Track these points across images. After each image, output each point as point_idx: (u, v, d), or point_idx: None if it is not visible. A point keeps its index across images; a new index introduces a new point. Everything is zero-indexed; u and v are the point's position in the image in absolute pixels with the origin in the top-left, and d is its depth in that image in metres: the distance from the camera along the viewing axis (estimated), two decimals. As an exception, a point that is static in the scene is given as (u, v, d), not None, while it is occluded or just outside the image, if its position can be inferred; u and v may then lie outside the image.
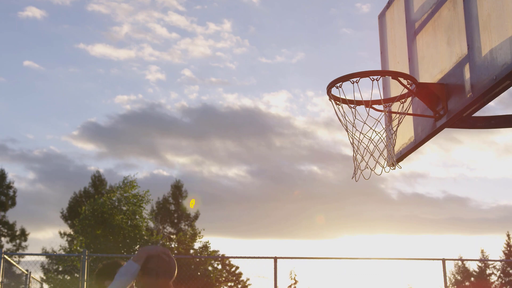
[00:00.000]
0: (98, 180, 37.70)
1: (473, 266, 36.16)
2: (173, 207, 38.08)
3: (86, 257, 10.25)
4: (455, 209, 48.01)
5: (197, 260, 25.73)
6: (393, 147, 4.99)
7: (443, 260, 11.38)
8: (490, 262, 35.84)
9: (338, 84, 4.70)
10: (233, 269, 28.87)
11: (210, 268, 26.33)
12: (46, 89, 50.91)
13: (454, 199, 48.40)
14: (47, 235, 51.47)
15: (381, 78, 4.70)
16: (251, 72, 52.34)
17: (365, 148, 4.81)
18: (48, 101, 51.93)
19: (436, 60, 4.92)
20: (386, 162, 4.98)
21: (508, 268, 36.11)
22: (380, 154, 4.83)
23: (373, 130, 4.75)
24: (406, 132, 5.34)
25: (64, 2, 48.22)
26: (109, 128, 47.76)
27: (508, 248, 36.15)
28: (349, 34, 50.45)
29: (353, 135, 4.83)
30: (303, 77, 52.46)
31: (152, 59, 49.53)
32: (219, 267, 26.76)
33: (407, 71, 5.30)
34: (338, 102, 4.85)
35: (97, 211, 24.40)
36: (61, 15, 49.87)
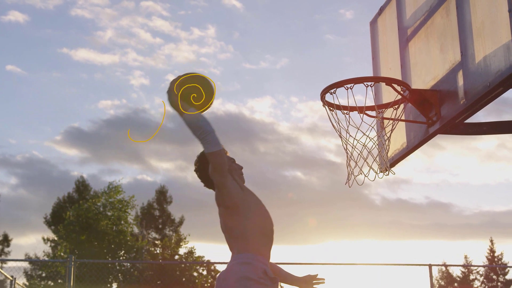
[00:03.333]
0: (82, 185, 37.39)
1: (456, 272, 36.42)
2: (157, 212, 37.87)
3: (72, 263, 10.15)
4: (438, 215, 48.21)
5: (182, 266, 25.60)
6: (387, 153, 5.00)
7: (430, 266, 11.37)
8: (473, 268, 36.11)
9: (332, 90, 4.71)
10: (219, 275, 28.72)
11: (195, 274, 26.22)
12: (29, 94, 50.38)
13: (437, 205, 48.59)
14: (30, 241, 50.95)
15: (374, 84, 4.72)
16: (235, 77, 52.23)
17: (358, 154, 4.82)
18: (31, 106, 51.37)
19: (429, 67, 4.94)
20: (379, 168, 5.00)
21: (492, 274, 36.38)
22: (374, 160, 4.84)
23: (367, 136, 4.77)
24: (399, 138, 5.35)
25: (47, 6, 47.89)
26: (92, 133, 47.37)
27: (491, 254, 36.41)
28: (333, 40, 50.58)
29: (347, 141, 4.84)
30: (287, 82, 52.44)
31: (136, 64, 49.27)
32: (205, 273, 26.65)
33: (399, 78, 5.32)
34: (331, 108, 4.86)
35: (82, 217, 24.23)
36: (44, 19, 49.47)
